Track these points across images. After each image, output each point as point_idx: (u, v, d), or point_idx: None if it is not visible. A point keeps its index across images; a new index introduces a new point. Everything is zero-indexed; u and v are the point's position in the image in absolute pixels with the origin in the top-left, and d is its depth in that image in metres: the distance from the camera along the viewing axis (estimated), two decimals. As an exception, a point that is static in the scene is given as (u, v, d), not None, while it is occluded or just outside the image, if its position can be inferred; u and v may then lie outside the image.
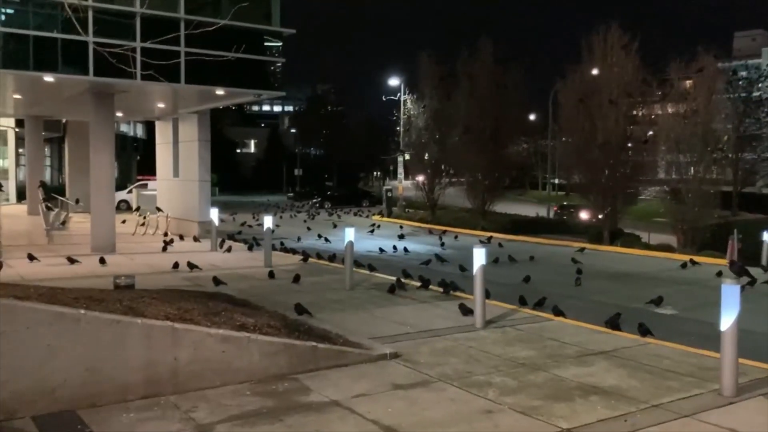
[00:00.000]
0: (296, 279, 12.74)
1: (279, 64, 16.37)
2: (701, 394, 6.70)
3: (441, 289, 12.08)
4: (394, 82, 38.59)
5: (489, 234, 25.33)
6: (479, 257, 9.40)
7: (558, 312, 10.39)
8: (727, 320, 6.63)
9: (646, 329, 9.15)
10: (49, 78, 14.76)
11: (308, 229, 27.27)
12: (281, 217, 34.80)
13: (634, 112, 24.06)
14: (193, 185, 21.58)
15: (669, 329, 10.11)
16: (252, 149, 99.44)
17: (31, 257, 14.51)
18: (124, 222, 23.95)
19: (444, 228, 28.21)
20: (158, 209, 23.37)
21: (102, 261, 14.53)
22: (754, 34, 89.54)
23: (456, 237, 25.31)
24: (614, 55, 22.55)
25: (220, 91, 16.27)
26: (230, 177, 77.66)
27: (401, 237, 24.61)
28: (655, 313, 11.78)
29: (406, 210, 36.36)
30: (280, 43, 16.84)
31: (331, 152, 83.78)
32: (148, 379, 6.24)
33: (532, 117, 50.93)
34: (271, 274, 13.34)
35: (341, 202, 47.31)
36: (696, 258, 18.95)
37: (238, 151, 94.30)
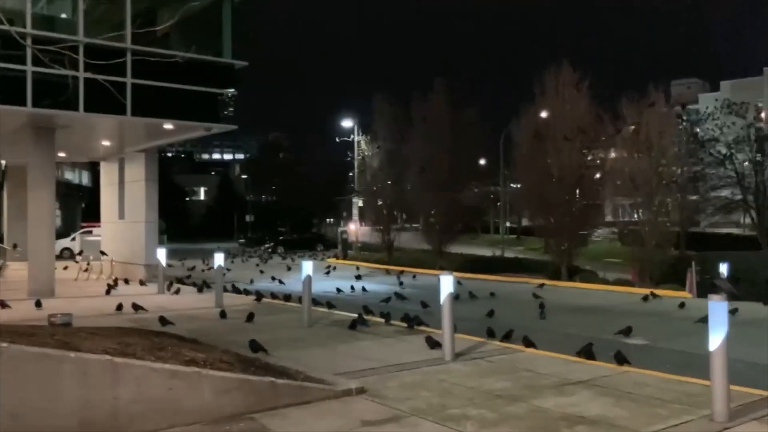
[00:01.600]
0: (250, 318, 11.97)
1: (231, 101, 15.73)
2: (692, 421, 6.23)
3: (405, 324, 11.50)
4: (347, 123, 38.43)
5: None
6: (447, 285, 8.89)
7: (529, 343, 9.90)
8: (715, 340, 6.23)
9: (622, 357, 8.71)
10: (-18, 111, 13.85)
11: (261, 272, 26.41)
12: (233, 262, 33.77)
13: (588, 154, 24.18)
14: (139, 227, 20.63)
15: (643, 358, 9.71)
16: (202, 197, 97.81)
17: (-42, 303, 13.36)
18: (66, 268, 22.76)
19: (401, 268, 27.70)
20: (102, 253, 22.26)
21: (38, 304, 13.47)
22: (689, 83, 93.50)
23: (414, 276, 24.81)
24: (566, 93, 22.80)
25: (168, 125, 15.59)
26: (180, 225, 75.83)
27: (358, 277, 23.99)
28: (625, 343, 11.39)
29: (362, 252, 35.77)
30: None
31: (284, 199, 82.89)
32: (84, 423, 5.45)
33: (482, 162, 51.42)
34: (223, 314, 12.55)
35: (295, 247, 46.42)
36: (656, 291, 18.83)
37: (188, 199, 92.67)
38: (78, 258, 23.58)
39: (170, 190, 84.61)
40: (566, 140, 22.37)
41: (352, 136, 37.76)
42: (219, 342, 9.53)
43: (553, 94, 22.96)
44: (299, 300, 14.72)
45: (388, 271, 27.12)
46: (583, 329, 12.83)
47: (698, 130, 49.12)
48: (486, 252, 37.69)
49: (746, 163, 42.55)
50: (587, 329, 12.84)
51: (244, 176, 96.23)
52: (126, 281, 19.52)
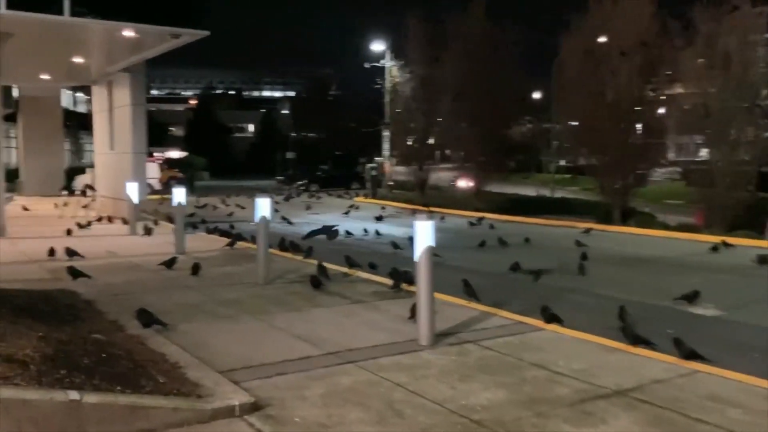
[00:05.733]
0: (195, 270, 9.38)
1: (201, 4, 12.81)
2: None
3: (391, 282, 8.69)
4: (379, 47, 34.86)
5: (480, 214, 21.92)
6: (424, 234, 6.01)
7: (551, 317, 6.97)
8: None
9: (690, 350, 5.73)
10: None
11: (276, 211, 23.80)
12: (250, 199, 31.47)
13: (650, 76, 20.21)
14: (126, 159, 18.20)
15: (715, 341, 6.76)
16: (248, 133, 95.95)
17: None
18: (66, 205, 20.60)
19: (432, 209, 24.76)
20: (90, 188, 20.12)
21: (-39, 247, 11.18)
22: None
23: (443, 218, 21.88)
24: (626, 0, 18.93)
25: (127, 32, 12.85)
26: (224, 161, 74.72)
27: (379, 219, 21.24)
28: (689, 313, 8.38)
29: (393, 191, 32.87)
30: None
31: (330, 136, 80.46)
32: None
33: (537, 95, 47.37)
34: (171, 263, 9.99)
35: (329, 185, 43.88)
36: (728, 239, 15.46)
37: (234, 135, 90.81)
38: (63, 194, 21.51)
39: (214, 126, 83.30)
40: (623, 56, 18.67)
41: (383, 61, 34.29)
42: (129, 305, 7.01)
43: (610, 1, 19.14)
44: (280, 244, 12.27)
45: (415, 212, 24.23)
46: (632, 290, 9.79)
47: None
48: (533, 192, 34.34)
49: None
50: (637, 290, 9.81)
51: (284, 111, 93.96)
52: (109, 219, 17.32)
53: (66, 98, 47.93)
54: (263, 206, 8.83)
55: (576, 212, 23.74)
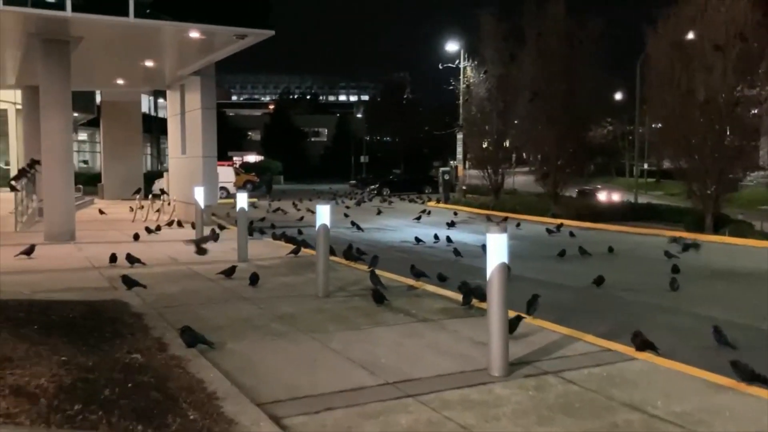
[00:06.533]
0: (253, 280, 8.91)
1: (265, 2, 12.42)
2: None
3: (461, 298, 7.95)
4: (453, 47, 34.02)
5: (559, 221, 20.78)
6: (497, 248, 5.26)
7: (644, 343, 6.05)
8: None
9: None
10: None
11: (345, 216, 23.45)
12: (324, 204, 31.22)
13: (747, 73, 18.54)
14: (197, 163, 18.15)
15: None
16: (323, 138, 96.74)
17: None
18: (141, 208, 20.84)
19: (506, 214, 23.78)
20: (162, 192, 20.22)
21: (28, 252, 11.12)
22: None
23: (518, 225, 20.88)
24: (721, -11, 17.46)
25: (193, 33, 12.62)
26: (299, 165, 75.39)
27: (451, 225, 20.47)
28: (807, 340, 7.27)
29: (466, 195, 31.94)
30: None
31: (403, 139, 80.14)
32: None
33: (618, 96, 45.30)
34: (230, 272, 9.57)
35: (402, 189, 43.28)
36: (841, 251, 13.90)
37: (310, 140, 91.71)
38: (135, 196, 21.71)
39: (289, 130, 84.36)
40: (718, 50, 17.19)
41: (457, 61, 33.47)
42: (179, 318, 6.60)
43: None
44: (342, 252, 11.73)
45: (489, 218, 23.30)
46: (734, 310, 8.69)
47: None
48: (616, 197, 32.69)
49: None
50: (740, 310, 8.70)
51: (358, 115, 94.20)
52: (179, 223, 17.25)
53: (147, 103, 49.44)
54: (324, 214, 8.27)
55: (663, 219, 22.26)
